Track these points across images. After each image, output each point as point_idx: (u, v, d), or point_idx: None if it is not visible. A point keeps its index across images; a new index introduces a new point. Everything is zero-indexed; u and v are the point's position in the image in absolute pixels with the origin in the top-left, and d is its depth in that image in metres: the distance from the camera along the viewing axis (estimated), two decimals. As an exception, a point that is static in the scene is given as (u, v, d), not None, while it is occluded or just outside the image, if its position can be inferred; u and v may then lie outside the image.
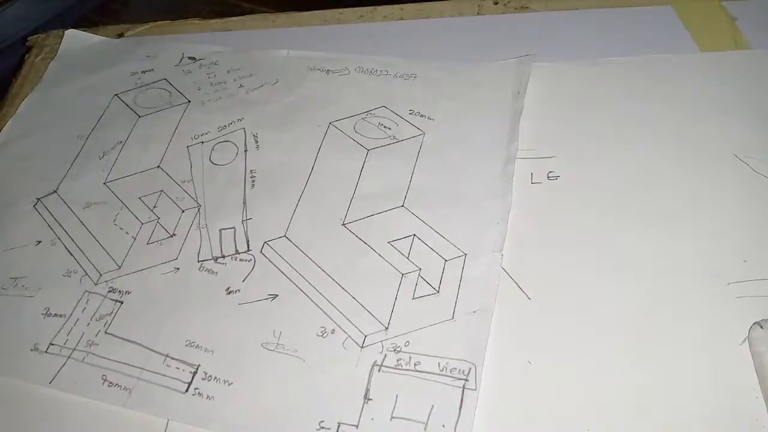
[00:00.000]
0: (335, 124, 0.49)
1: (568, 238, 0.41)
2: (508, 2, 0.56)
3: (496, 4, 0.56)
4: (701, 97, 0.47)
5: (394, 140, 0.47)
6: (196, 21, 0.59)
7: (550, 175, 0.44)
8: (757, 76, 0.48)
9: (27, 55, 0.58)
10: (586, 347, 0.36)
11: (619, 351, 0.36)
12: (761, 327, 0.35)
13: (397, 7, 0.58)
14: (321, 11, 0.58)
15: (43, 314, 0.41)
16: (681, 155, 0.44)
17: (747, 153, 0.44)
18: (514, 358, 0.36)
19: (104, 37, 0.59)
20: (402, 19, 0.57)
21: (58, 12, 0.66)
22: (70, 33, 0.59)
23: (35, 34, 0.60)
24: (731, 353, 0.35)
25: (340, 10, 0.58)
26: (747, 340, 0.36)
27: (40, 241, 0.45)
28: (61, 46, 0.58)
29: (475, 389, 0.35)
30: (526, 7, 0.56)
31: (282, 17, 0.59)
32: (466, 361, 0.36)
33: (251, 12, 0.60)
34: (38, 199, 0.48)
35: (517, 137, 0.45)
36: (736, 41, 0.51)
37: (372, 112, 0.49)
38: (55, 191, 0.48)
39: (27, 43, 0.59)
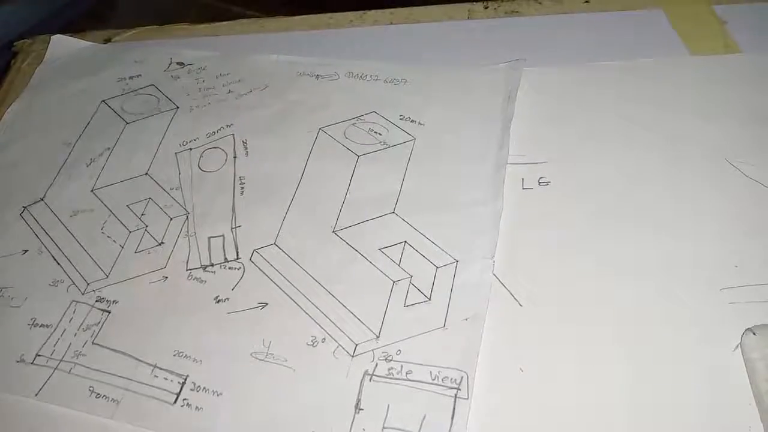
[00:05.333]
0: (325, 129, 0.48)
1: (559, 243, 0.41)
2: (498, 7, 0.56)
3: (486, 8, 0.56)
4: (691, 101, 0.47)
5: (385, 146, 0.47)
6: (184, 26, 0.59)
7: (541, 180, 0.44)
8: (747, 79, 0.48)
9: (13, 61, 0.57)
10: (578, 354, 0.36)
11: (611, 357, 0.36)
12: (754, 333, 0.35)
13: (387, 11, 0.58)
14: (310, 16, 0.58)
15: (29, 325, 0.41)
16: (672, 160, 0.44)
17: (738, 157, 0.44)
18: (506, 366, 0.36)
19: (91, 43, 0.58)
20: (392, 23, 0.57)
21: (44, 17, 0.65)
22: (57, 38, 0.58)
23: (21, 39, 0.59)
24: (724, 360, 0.35)
25: (330, 14, 0.58)
26: (739, 346, 0.35)
27: (26, 250, 0.45)
28: (48, 52, 0.57)
29: (467, 398, 0.34)
30: (517, 12, 0.56)
31: (271, 22, 0.58)
32: (458, 369, 0.35)
33: (240, 17, 0.60)
34: (24, 207, 0.47)
35: (507, 142, 0.45)
36: (725, 45, 0.51)
37: (362, 117, 0.49)
38: (42, 199, 0.47)
39: (13, 49, 0.58)
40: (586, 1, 0.56)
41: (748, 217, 0.41)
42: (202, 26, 0.58)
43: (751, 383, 0.34)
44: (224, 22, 0.59)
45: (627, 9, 0.55)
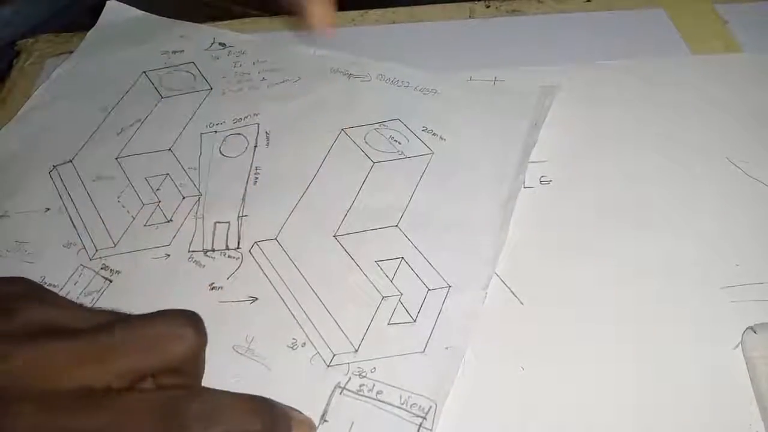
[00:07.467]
0: (347, 131, 0.48)
1: (560, 242, 0.41)
2: (500, 6, 0.56)
3: (487, 7, 0.56)
4: (693, 100, 0.47)
5: (402, 156, 0.46)
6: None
7: (542, 179, 0.44)
8: (748, 79, 0.48)
9: (15, 60, 0.57)
10: (578, 352, 0.36)
11: (612, 355, 0.36)
12: (754, 332, 0.35)
13: (389, 10, 0.57)
14: None
15: (39, 282, 0.43)
16: (673, 159, 0.44)
17: (739, 156, 0.44)
18: (506, 364, 0.36)
19: (143, 12, 0.60)
20: (394, 22, 0.57)
21: (46, 16, 0.65)
22: (111, 5, 0.60)
23: (23, 38, 0.59)
24: (725, 358, 0.35)
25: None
26: (740, 345, 0.35)
27: (48, 209, 0.46)
28: (101, 18, 0.59)
29: (431, 429, 0.34)
30: (518, 11, 0.56)
31: (275, 21, 0.58)
32: (428, 398, 0.35)
33: (242, 16, 0.59)
34: (54, 166, 0.49)
35: (525, 170, 0.44)
36: (727, 44, 0.51)
37: (385, 123, 0.48)
38: (71, 161, 0.49)
39: (15, 48, 0.58)
40: (588, 1, 0.56)
41: (749, 216, 0.41)
42: (205, 25, 0.58)
43: (752, 382, 0.34)
44: (227, 21, 0.59)
45: (628, 8, 0.55)
